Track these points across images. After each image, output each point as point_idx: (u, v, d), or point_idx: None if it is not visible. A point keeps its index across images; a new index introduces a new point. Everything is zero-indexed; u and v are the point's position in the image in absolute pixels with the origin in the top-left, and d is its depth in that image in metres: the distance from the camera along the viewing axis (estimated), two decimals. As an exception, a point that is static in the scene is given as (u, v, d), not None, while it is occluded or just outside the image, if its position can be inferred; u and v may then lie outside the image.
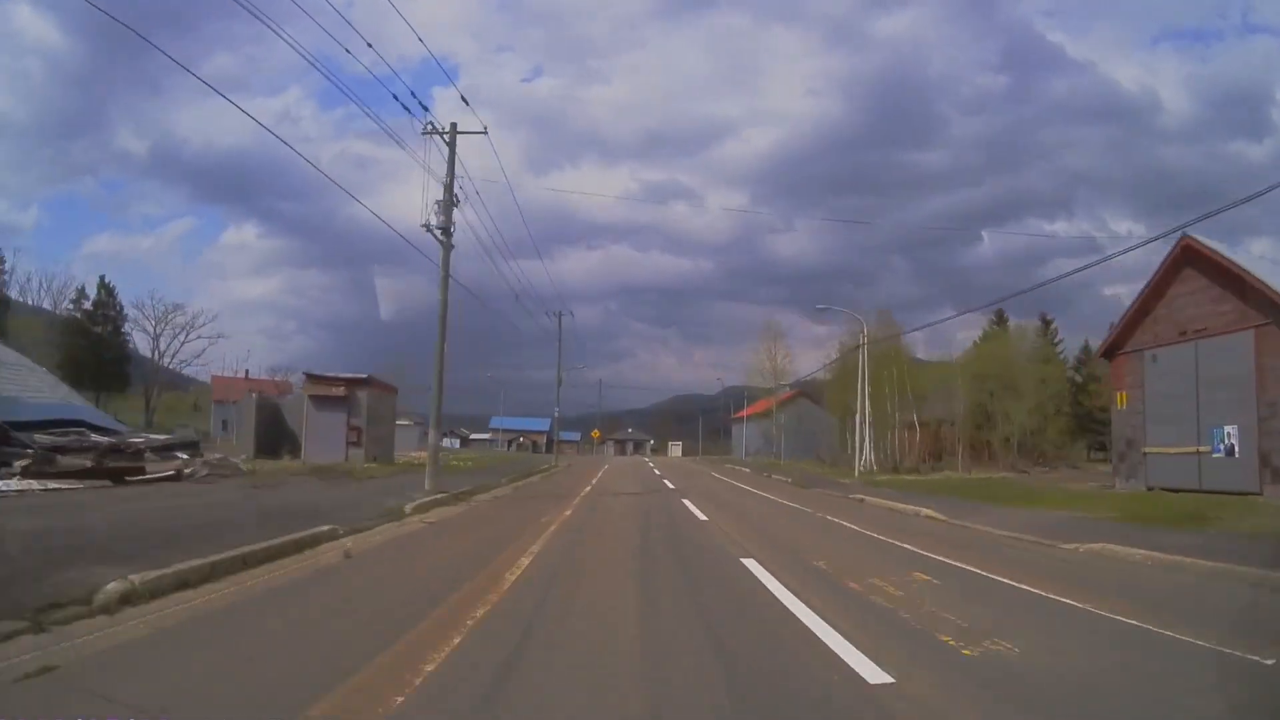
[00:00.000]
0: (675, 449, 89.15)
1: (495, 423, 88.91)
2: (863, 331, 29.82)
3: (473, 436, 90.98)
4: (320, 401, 25.40)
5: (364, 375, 25.84)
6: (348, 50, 10.74)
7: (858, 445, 30.04)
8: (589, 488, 20.25)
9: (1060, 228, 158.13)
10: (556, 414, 39.49)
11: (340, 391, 25.42)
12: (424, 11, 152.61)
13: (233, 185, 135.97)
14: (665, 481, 23.89)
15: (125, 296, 58.21)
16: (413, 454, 45.66)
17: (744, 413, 65.76)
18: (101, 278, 58.64)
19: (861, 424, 29.70)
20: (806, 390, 58.24)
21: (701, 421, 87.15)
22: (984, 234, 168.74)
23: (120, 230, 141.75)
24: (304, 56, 22.37)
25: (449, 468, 27.84)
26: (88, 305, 58.97)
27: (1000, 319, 57.96)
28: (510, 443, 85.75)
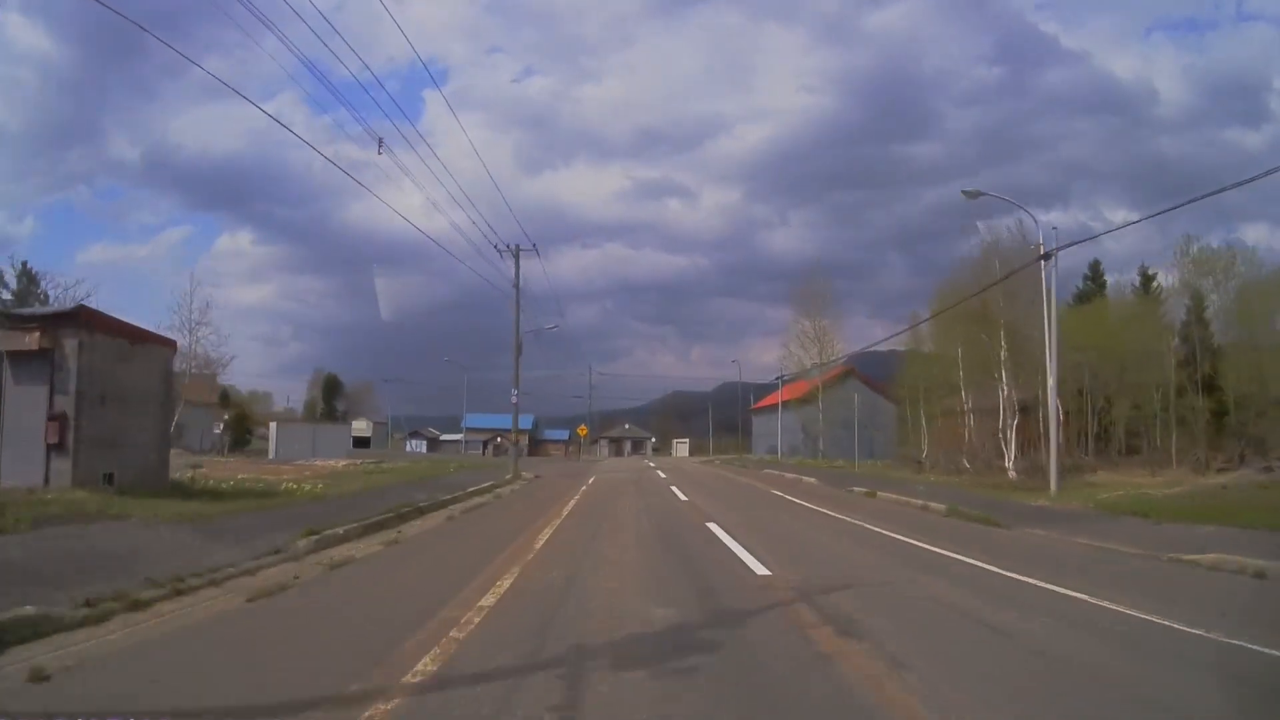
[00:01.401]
0: (681, 448, 75.92)
1: (469, 421, 75.47)
2: (1045, 240, 16.48)
3: (444, 438, 77.63)
4: (20, 363, 12.08)
5: (71, 307, 12.53)
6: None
7: (1050, 437, 16.96)
8: (494, 595, 6.92)
9: (1055, 218, 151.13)
10: (516, 399, 26.18)
11: (35, 340, 12.02)
12: (416, 12, 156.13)
13: (227, 192, 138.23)
14: (726, 538, 10.00)
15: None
16: (318, 463, 32.53)
17: (769, 401, 52.56)
18: (24, 264, 46.04)
19: (1047, 402, 16.65)
20: (854, 368, 45.21)
21: (711, 416, 73.93)
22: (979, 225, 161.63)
23: (116, 239, 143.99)
24: None
25: (300, 496, 14.81)
26: (7, 295, 47.08)
27: (1096, 275, 45.16)
28: (486, 444, 72.47)
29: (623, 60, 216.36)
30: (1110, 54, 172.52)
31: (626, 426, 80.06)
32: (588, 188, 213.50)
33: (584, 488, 19.40)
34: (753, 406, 57.71)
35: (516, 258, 25.47)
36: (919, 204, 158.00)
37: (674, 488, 19.09)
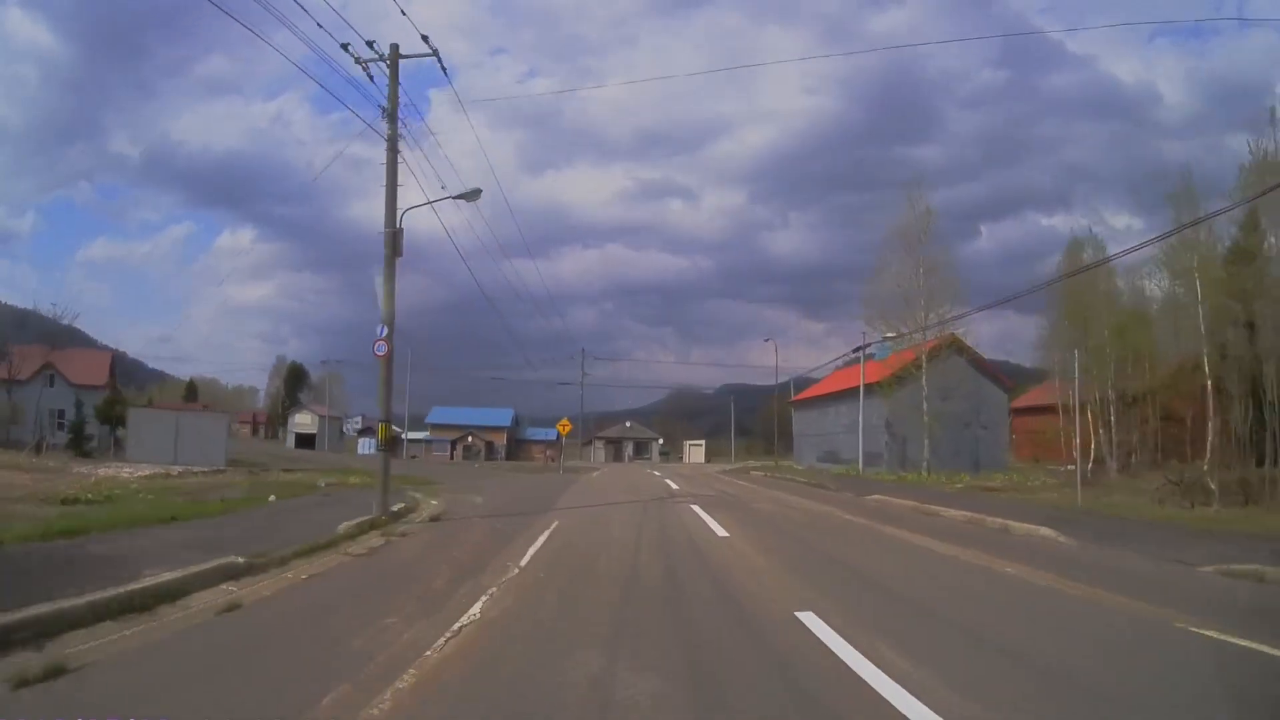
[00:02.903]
0: (695, 451, 62.24)
1: (436, 415, 61.87)
2: None
3: (406, 436, 63.81)
4: None
5: None
6: None
7: None
8: None
9: (1058, 222, 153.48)
10: (385, 347, 12.00)
11: None
12: (421, 13, 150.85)
13: (228, 189, 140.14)
14: None
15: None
16: (101, 473, 19.41)
17: (823, 388, 38.94)
18: None
19: None
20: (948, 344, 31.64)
21: (733, 413, 60.34)
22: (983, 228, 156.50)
23: (116, 236, 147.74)
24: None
25: None
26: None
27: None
28: (455, 444, 58.69)
29: (625, 60, 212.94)
30: (1114, 58, 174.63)
31: (628, 425, 66.12)
32: (589, 188, 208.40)
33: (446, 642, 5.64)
34: (793, 398, 44.04)
35: (394, 65, 11.89)
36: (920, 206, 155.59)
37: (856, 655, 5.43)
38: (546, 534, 9.46)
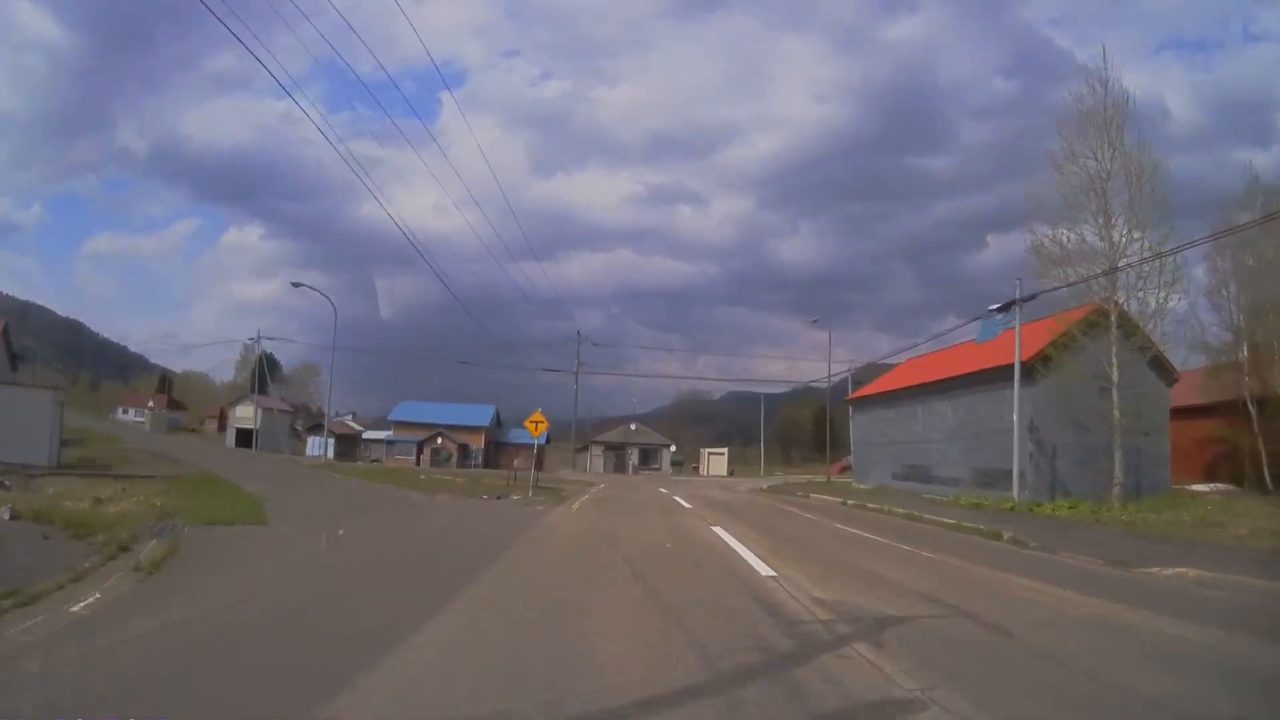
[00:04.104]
0: (716, 461, 52.07)
1: (402, 412, 51.79)
2: None
3: (367, 435, 53.87)
4: None
5: None
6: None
7: None
8: None
9: (1064, 233, 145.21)
10: None
11: None
12: (434, 14, 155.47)
13: (235, 185, 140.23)
14: None
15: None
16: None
17: (884, 384, 28.95)
18: None
19: None
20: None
21: (762, 417, 50.33)
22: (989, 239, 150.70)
23: (122, 230, 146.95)
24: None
25: None
26: None
27: None
28: (422, 445, 48.62)
29: (638, 65, 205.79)
30: (1122, 70, 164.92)
31: (633, 428, 55.85)
32: (599, 191, 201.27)
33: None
34: (851, 395, 34.03)
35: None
36: (930, 216, 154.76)
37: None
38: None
